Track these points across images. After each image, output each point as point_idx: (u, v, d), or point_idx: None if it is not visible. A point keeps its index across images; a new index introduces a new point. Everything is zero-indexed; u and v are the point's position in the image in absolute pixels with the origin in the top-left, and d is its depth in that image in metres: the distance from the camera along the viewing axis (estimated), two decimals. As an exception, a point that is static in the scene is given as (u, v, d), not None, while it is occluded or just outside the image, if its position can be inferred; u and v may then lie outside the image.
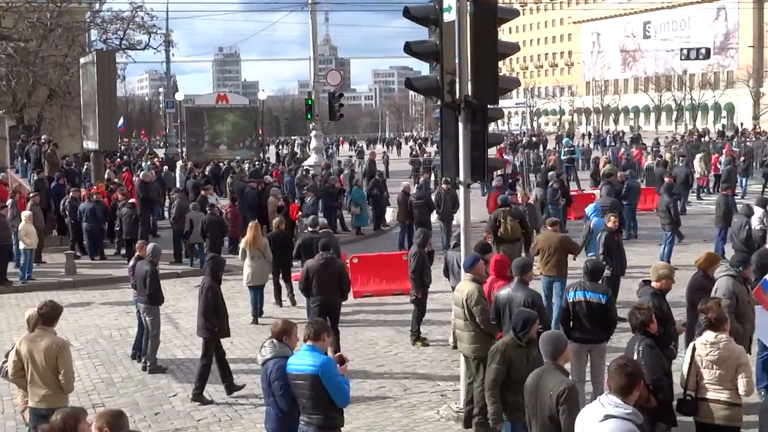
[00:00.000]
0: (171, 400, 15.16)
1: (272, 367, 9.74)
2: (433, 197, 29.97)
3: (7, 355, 11.45)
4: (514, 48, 14.51)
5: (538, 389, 8.75)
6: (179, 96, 73.94)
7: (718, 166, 43.85)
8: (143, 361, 16.98)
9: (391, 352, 17.64)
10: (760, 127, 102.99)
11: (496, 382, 10.38)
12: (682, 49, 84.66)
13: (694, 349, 10.18)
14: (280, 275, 22.11)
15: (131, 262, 17.94)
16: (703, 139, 74.18)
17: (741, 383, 9.86)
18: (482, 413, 11.67)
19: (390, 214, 35.25)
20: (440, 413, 13.76)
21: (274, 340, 9.99)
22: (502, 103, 15.11)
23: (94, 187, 31.46)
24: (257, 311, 20.77)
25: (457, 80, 12.98)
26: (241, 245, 21.64)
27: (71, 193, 30.19)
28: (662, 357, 10.21)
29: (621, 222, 20.85)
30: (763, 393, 13.47)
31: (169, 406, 14.81)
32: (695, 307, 11.84)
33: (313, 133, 47.92)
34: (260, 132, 65.77)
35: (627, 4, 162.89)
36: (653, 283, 12.09)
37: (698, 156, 46.14)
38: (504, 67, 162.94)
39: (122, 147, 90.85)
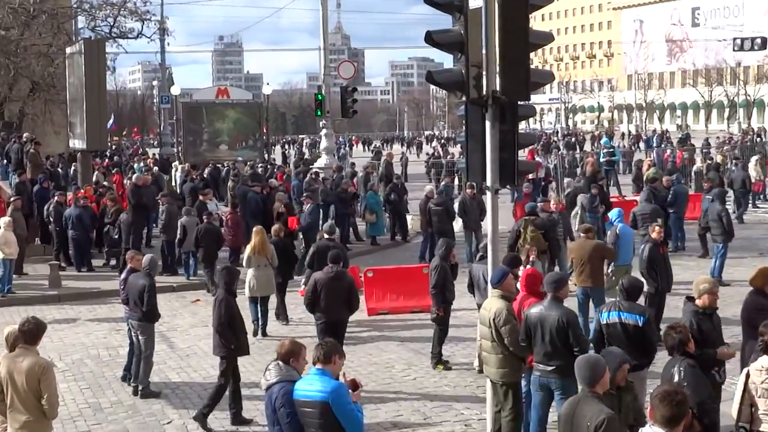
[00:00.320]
0: (165, 427, 15.18)
1: (278, 392, 9.73)
2: (456, 203, 29.96)
3: (-17, 378, 11.45)
4: (547, 37, 14.52)
5: (574, 419, 8.73)
6: (175, 90, 74.17)
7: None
8: (134, 384, 16.99)
9: (409, 376, 17.63)
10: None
11: None
12: (735, 39, 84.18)
13: (747, 375, 10.14)
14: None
15: (123, 275, 17.96)
16: (758, 139, 73.93)
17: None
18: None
19: (410, 222, 35.23)
20: (464, 445, 13.74)
21: (280, 363, 9.98)
22: (533, 98, 15.10)
23: (82, 191, 31.51)
24: (260, 324, 20.86)
25: (484, 73, 12.97)
26: (247, 252, 21.70)
27: (56, 198, 30.27)
28: (706, 378, 10.19)
29: (667, 232, 20.86)
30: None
31: (163, 435, 14.84)
32: (752, 329, 11.80)
33: (324, 131, 47.85)
34: (265, 130, 65.86)
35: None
36: (697, 300, 12.12)
37: (753, 159, 45.93)
38: (536, 59, 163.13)
39: (113, 146, 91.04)
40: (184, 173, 41.91)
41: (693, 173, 45.66)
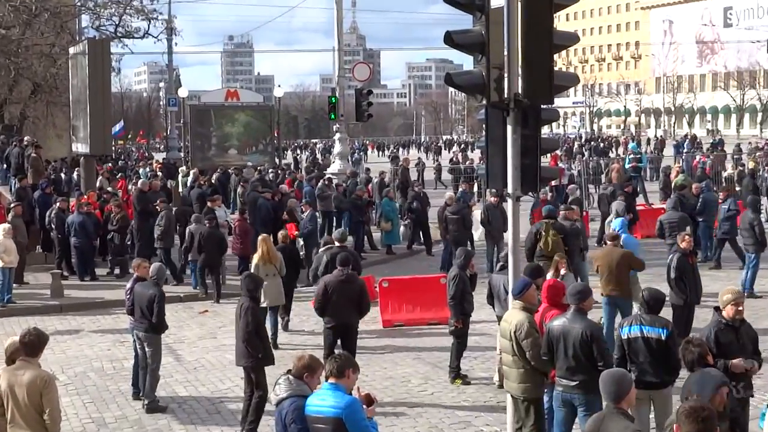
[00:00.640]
0: (171, 444, 15.21)
1: (288, 408, 9.74)
2: (477, 212, 29.87)
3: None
4: (572, 38, 14.51)
5: (599, 437, 8.74)
6: (183, 92, 74.40)
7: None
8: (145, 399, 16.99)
9: (426, 391, 17.63)
10: None
11: None
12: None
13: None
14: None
15: (129, 284, 18.00)
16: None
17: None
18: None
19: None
20: (483, 463, 13.75)
21: (290, 377, 9.98)
22: (557, 102, 15.07)
23: (85, 197, 31.64)
24: (272, 335, 20.92)
25: (506, 76, 12.99)
26: (254, 261, 21.77)
27: (58, 204, 30.31)
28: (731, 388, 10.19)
29: (696, 242, 20.88)
30: None
31: (169, 452, 14.88)
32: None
33: (337, 135, 48.02)
34: (276, 134, 65.95)
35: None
36: (722, 312, 12.16)
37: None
38: (560, 61, 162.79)
39: (117, 151, 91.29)
40: (192, 178, 41.97)
41: (723, 180, 45.56)
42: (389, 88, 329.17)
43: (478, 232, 30.32)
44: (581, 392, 12.02)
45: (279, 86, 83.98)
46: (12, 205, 29.11)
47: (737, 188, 39.94)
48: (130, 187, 39.47)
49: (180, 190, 44.64)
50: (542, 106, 13.50)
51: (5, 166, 41.31)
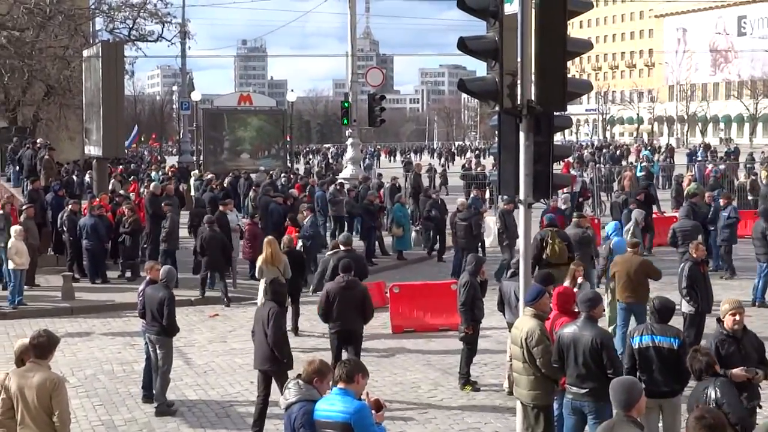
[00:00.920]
0: (180, 447, 15.21)
1: (297, 412, 9.74)
2: (489, 218, 29.79)
3: (-6, 392, 11.49)
4: (586, 45, 14.51)
5: (609, 445, 8.72)
6: (195, 96, 74.41)
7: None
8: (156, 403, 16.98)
9: (435, 397, 17.61)
10: None
11: None
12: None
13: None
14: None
15: (141, 286, 18.03)
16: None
17: None
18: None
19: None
20: (492, 470, 13.72)
21: (300, 381, 9.98)
22: (570, 109, 15.08)
23: (97, 200, 31.67)
24: None
25: (519, 82, 12.99)
26: (259, 263, 21.90)
27: (70, 206, 30.36)
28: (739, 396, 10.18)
29: (707, 251, 20.89)
30: None
31: (178, 455, 14.88)
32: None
33: (350, 141, 48.01)
34: (288, 139, 66.01)
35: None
36: (723, 322, 12.18)
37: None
38: (573, 68, 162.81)
39: (131, 154, 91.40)
40: (205, 182, 42.00)
41: (736, 189, 45.42)
42: (402, 93, 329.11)
43: (489, 239, 30.28)
44: (591, 400, 12.01)
45: (292, 91, 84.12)
46: (24, 207, 29.14)
47: (749, 197, 39.92)
48: (142, 190, 39.51)
49: (192, 193, 44.74)
50: (555, 113, 13.50)
51: (17, 168, 41.38)
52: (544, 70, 12.89)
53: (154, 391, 17.10)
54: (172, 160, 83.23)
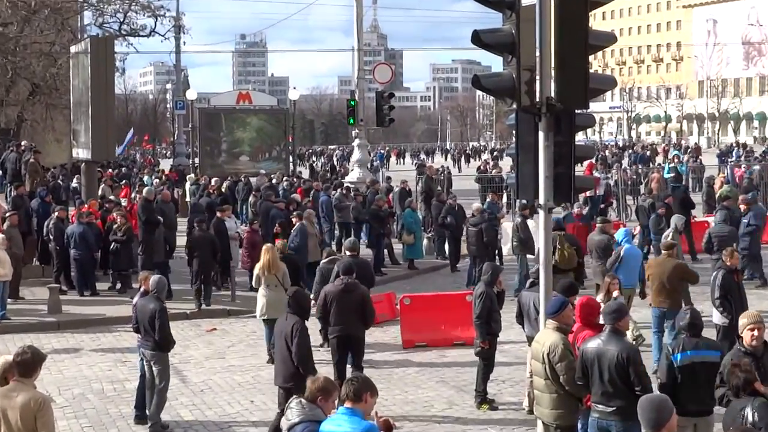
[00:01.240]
0: (175, 472, 15.19)
1: (301, 434, 9.71)
2: (507, 224, 29.67)
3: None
4: (609, 38, 14.48)
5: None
6: (191, 94, 74.47)
7: None
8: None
9: (450, 417, 17.59)
10: None
11: None
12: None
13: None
14: None
15: (135, 299, 18.03)
16: None
17: None
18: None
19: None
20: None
21: (302, 400, 9.95)
22: (593, 106, 15.08)
23: (85, 206, 31.66)
24: (269, 349, 21.05)
25: (538, 78, 12.97)
26: (256, 271, 21.93)
27: (57, 213, 30.32)
28: None
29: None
30: None
31: (173, 480, 14.86)
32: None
33: (356, 142, 48.05)
34: (290, 140, 66.02)
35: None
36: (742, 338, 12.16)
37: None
38: (596, 63, 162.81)
39: (124, 156, 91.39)
40: (201, 187, 42.03)
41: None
42: (412, 90, 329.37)
43: (507, 246, 30.22)
44: (618, 419, 11.96)
45: (294, 88, 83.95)
46: (8, 214, 29.11)
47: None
48: (134, 195, 39.51)
49: (188, 199, 44.77)
50: (577, 110, 13.47)
51: (1, 172, 41.44)
52: (565, 64, 12.88)
53: (147, 412, 17.07)
54: (165, 164, 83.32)
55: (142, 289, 17.70)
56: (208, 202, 36.27)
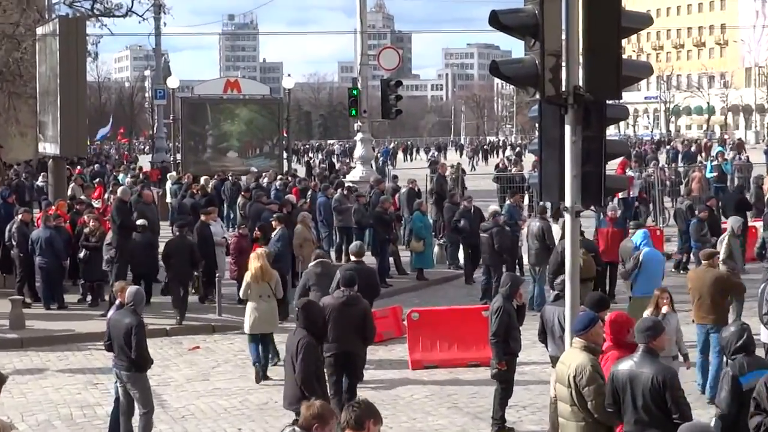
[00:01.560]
0: None
1: (295, 467, 9.71)
2: (529, 229, 29.57)
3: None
4: (644, 20, 14.48)
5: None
6: (173, 82, 74.42)
7: None
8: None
9: (463, 447, 17.60)
10: None
11: None
12: None
13: None
14: None
15: (110, 312, 18.01)
16: None
17: None
18: None
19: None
20: None
21: (297, 428, 9.95)
22: (626, 97, 15.07)
23: (53, 208, 31.67)
24: (263, 366, 21.36)
25: (564, 65, 12.96)
26: (246, 280, 21.96)
27: (20, 216, 30.35)
28: None
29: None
30: None
31: None
32: None
33: (359, 136, 48.04)
34: (285, 134, 66.08)
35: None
36: None
37: None
38: (629, 47, 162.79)
39: (96, 151, 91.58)
40: (184, 187, 42.04)
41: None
42: (422, 78, 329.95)
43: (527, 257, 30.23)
44: (654, 451, 11.95)
45: (289, 76, 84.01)
46: (-35, 217, 29.16)
47: None
48: (107, 196, 39.51)
49: (169, 200, 44.78)
50: (608, 101, 13.46)
51: (-42, 170, 41.51)
52: (595, 50, 12.89)
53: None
54: (144, 160, 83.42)
55: (117, 301, 17.67)
56: (191, 203, 36.27)
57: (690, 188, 40.10)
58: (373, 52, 50.31)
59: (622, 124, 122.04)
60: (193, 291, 28.59)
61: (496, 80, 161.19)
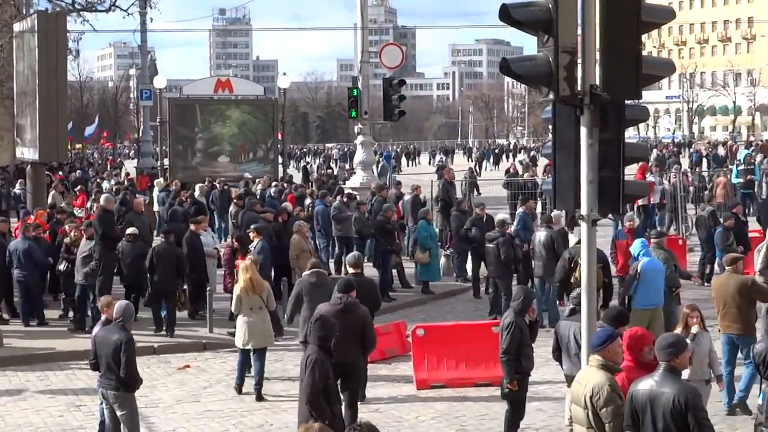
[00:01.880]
0: None
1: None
2: (536, 240, 29.57)
3: None
4: (666, 14, 14.51)
5: None
6: (159, 82, 74.46)
7: None
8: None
9: (473, 472, 17.63)
10: None
11: None
12: None
13: None
14: None
15: (95, 329, 18.02)
16: None
17: None
18: None
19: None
20: None
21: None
22: (646, 96, 15.08)
23: (32, 217, 31.69)
24: (256, 385, 21.44)
25: (579, 63, 12.99)
26: (236, 292, 22.00)
27: (-3, 226, 30.41)
28: None
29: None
30: None
31: None
32: None
33: (359, 139, 48.04)
34: (280, 137, 66.08)
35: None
36: None
37: None
38: (650, 43, 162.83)
39: (78, 156, 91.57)
40: (172, 194, 42.06)
41: None
42: (427, 77, 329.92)
43: (540, 267, 30.22)
44: (675, 476, 11.96)
45: (284, 74, 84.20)
46: (-62, 227, 29.19)
47: None
48: (90, 204, 39.53)
49: (156, 208, 44.80)
50: (626, 101, 13.48)
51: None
52: (613, 46, 12.91)
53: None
54: (129, 165, 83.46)
55: (102, 317, 17.68)
56: (182, 211, 36.30)
57: (713, 194, 40.03)
58: (375, 48, 50.41)
59: (641, 125, 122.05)
60: (179, 306, 28.47)
61: (507, 79, 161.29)
